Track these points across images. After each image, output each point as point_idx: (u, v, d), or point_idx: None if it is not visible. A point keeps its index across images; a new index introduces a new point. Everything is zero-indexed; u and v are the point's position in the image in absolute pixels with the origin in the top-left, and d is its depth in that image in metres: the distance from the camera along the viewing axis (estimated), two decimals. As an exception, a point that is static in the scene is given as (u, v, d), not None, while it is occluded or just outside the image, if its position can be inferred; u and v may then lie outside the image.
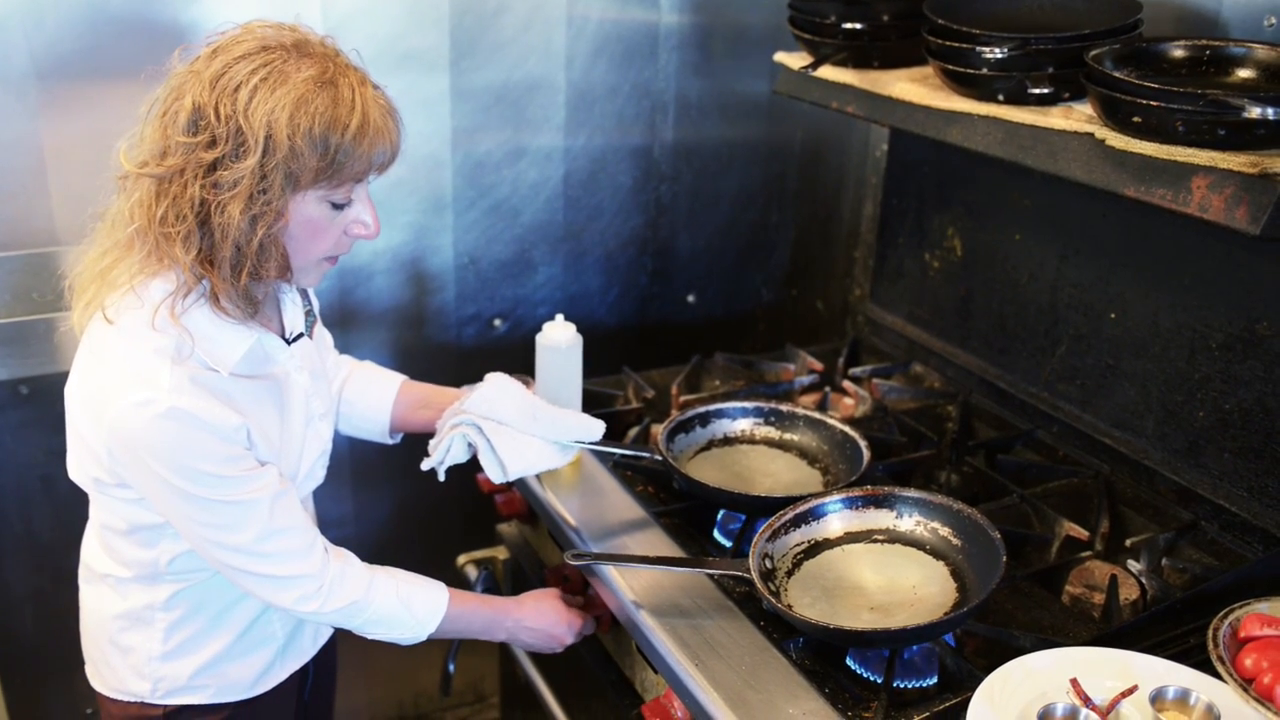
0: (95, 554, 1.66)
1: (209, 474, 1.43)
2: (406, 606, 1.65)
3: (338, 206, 1.43)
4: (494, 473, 1.80)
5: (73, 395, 1.52)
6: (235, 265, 1.38)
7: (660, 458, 1.91)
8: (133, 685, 1.66)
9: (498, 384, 1.84)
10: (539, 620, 1.78)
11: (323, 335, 1.83)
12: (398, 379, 1.97)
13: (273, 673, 1.74)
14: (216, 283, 1.39)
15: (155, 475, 1.43)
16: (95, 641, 1.69)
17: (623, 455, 2.00)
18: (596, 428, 1.89)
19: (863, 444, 1.95)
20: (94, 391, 1.45)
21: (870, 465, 1.91)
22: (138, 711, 1.67)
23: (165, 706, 1.66)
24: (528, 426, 1.82)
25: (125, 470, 1.46)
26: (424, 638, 1.69)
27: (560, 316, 2.01)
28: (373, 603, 1.62)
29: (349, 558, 1.64)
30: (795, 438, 2.07)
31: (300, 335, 1.63)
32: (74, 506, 2.30)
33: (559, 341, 1.98)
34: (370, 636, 1.68)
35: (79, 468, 1.56)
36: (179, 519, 1.49)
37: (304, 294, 1.69)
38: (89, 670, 1.73)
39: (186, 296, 1.41)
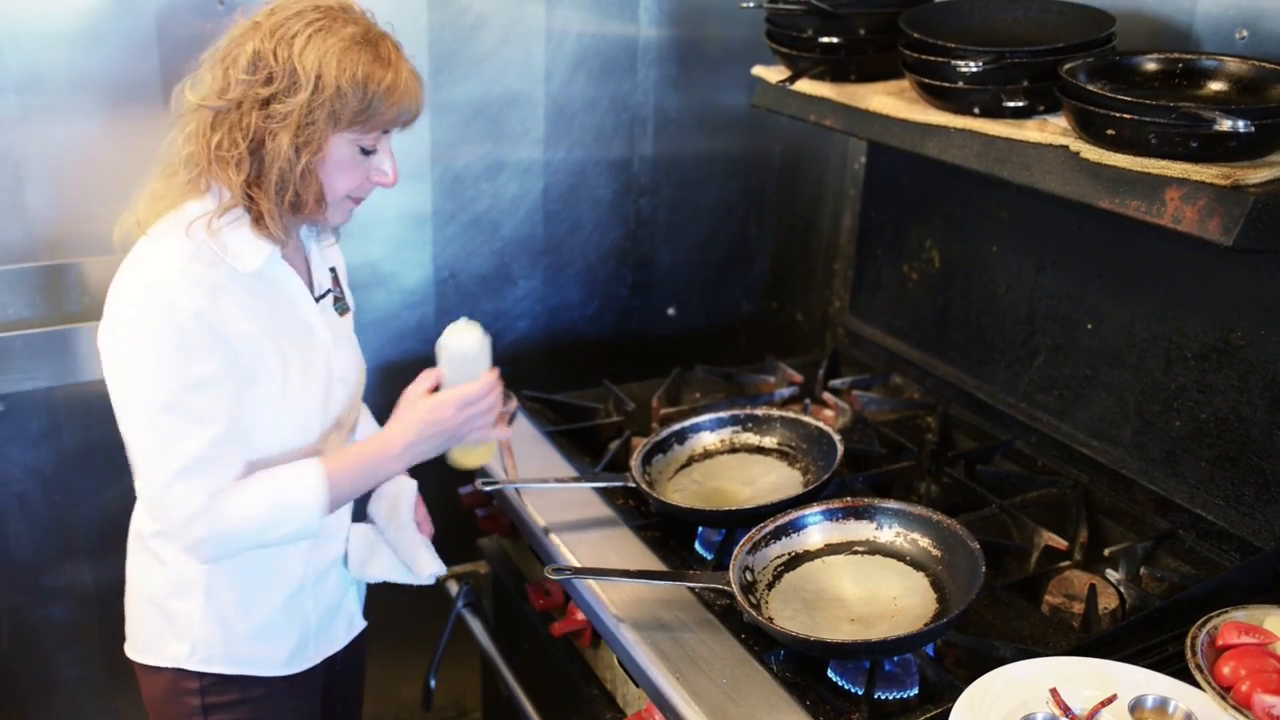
0: (140, 519, 1.74)
1: (180, 373, 1.51)
2: (278, 500, 1.59)
3: (365, 152, 1.60)
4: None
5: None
6: (280, 189, 1.54)
7: (634, 485, 1.91)
8: (172, 648, 1.71)
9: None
10: (412, 431, 1.66)
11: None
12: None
13: (305, 654, 1.80)
14: (263, 203, 1.55)
15: (130, 357, 1.52)
16: (140, 609, 1.75)
17: (596, 488, 2.00)
18: (428, 568, 1.91)
19: (836, 438, 1.96)
20: (111, 289, 1.56)
21: (843, 457, 1.92)
22: (171, 683, 1.72)
23: (202, 675, 1.71)
24: (385, 530, 1.94)
25: (110, 357, 1.54)
26: (319, 516, 1.61)
27: (464, 319, 1.74)
28: (243, 519, 1.56)
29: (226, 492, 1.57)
30: (773, 441, 2.08)
31: (326, 294, 1.76)
32: (50, 524, 2.29)
33: (464, 349, 1.72)
34: (275, 544, 1.63)
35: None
36: (130, 422, 1.55)
37: (334, 279, 1.81)
38: (129, 644, 1.77)
39: (223, 215, 1.56)
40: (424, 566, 1.91)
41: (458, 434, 1.69)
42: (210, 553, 1.58)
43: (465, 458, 1.79)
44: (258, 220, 1.57)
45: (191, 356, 1.51)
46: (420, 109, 1.63)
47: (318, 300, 1.73)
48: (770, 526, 1.73)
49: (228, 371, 1.55)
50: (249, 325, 1.58)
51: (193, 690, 1.71)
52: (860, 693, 1.53)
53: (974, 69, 1.68)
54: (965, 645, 1.61)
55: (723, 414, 2.11)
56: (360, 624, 1.92)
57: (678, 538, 1.89)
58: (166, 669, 1.72)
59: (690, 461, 2.06)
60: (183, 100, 1.58)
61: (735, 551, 1.68)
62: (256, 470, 1.61)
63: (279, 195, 1.55)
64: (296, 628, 1.77)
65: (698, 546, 1.89)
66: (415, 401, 1.70)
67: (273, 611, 1.73)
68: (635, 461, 1.96)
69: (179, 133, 1.58)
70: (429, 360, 2.54)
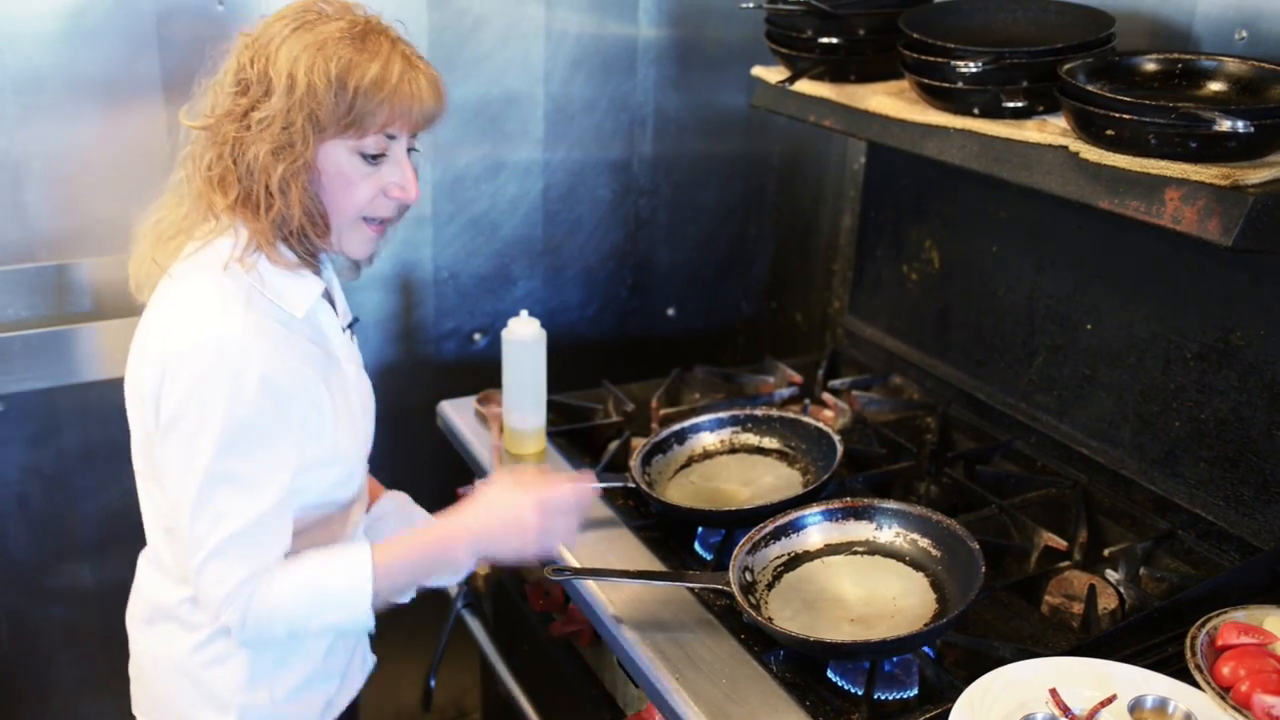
0: (159, 587, 1.61)
1: (240, 441, 1.39)
2: (319, 587, 1.45)
3: (370, 160, 1.46)
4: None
5: (134, 364, 1.50)
6: (267, 205, 1.43)
7: (634, 485, 1.91)
8: (210, 719, 1.59)
9: (393, 501, 1.87)
10: (484, 526, 1.51)
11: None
12: None
13: (336, 702, 1.71)
14: (251, 224, 1.44)
15: (191, 421, 1.38)
16: (166, 679, 1.61)
17: (595, 488, 1.99)
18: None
19: (836, 438, 1.96)
20: (160, 338, 1.43)
21: (843, 458, 1.92)
22: None
23: None
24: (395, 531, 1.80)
25: (162, 415, 1.40)
26: (367, 607, 1.45)
27: (524, 312, 2.08)
28: (282, 604, 1.44)
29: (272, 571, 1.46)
30: (773, 441, 2.08)
31: (352, 322, 1.67)
32: (50, 525, 2.29)
33: (524, 336, 2.06)
34: (315, 634, 1.58)
35: (142, 453, 1.54)
36: (178, 487, 1.41)
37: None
38: (148, 714, 1.66)
39: (254, 250, 1.45)
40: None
41: (533, 540, 1.52)
42: (245, 637, 1.46)
43: (519, 447, 2.10)
44: (269, 250, 1.46)
45: (252, 425, 1.39)
46: (432, 109, 1.47)
47: (345, 330, 1.63)
48: (770, 527, 1.73)
49: (290, 436, 1.44)
50: (310, 373, 1.47)
51: None
52: (860, 693, 1.53)
53: (973, 69, 1.68)
54: (965, 645, 1.61)
55: (722, 414, 2.11)
56: (372, 660, 1.83)
57: (677, 538, 1.89)
58: None
59: (690, 462, 2.06)
60: (186, 131, 1.50)
61: (735, 552, 1.68)
62: (299, 533, 1.50)
63: (266, 211, 1.43)
64: (334, 677, 1.69)
65: (697, 547, 1.89)
66: (497, 494, 1.55)
67: (314, 664, 1.64)
68: (635, 462, 1.96)
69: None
70: (429, 361, 2.57)
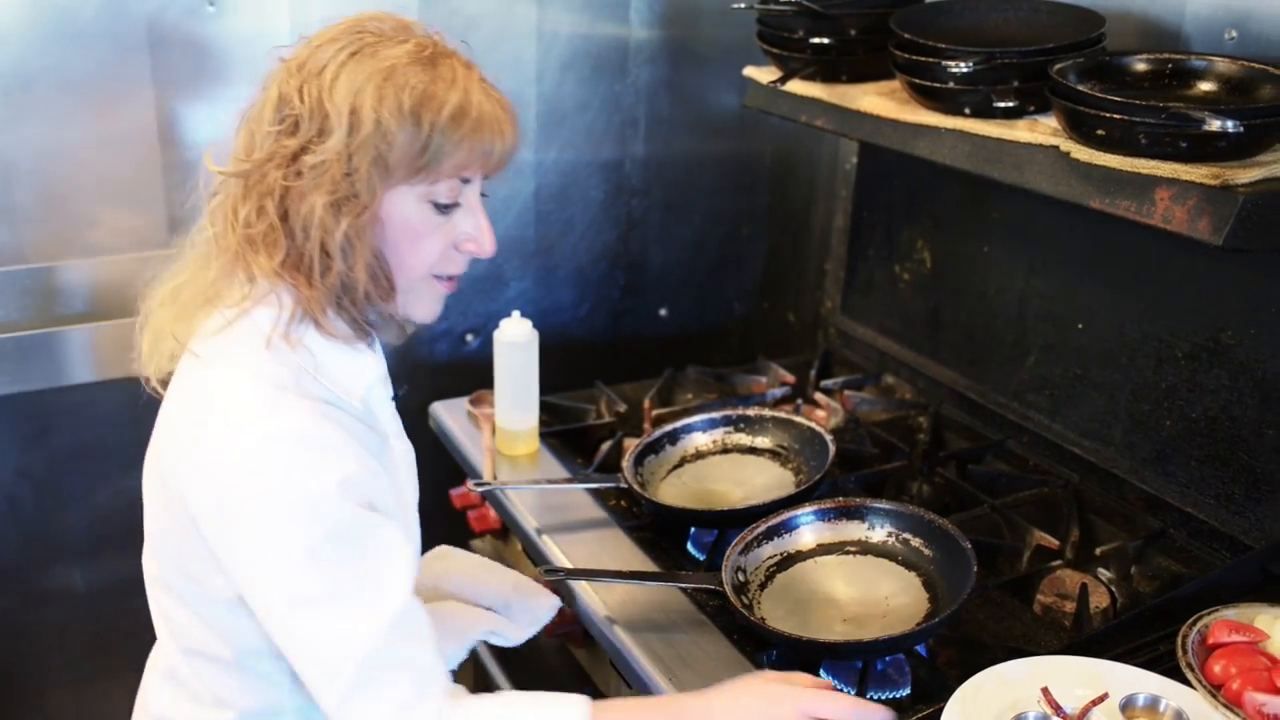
0: (173, 704, 1.40)
1: (339, 557, 1.18)
2: None
3: (442, 209, 1.25)
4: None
5: (157, 466, 1.29)
6: (323, 269, 1.20)
7: (626, 485, 1.91)
8: None
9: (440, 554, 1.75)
10: (743, 712, 1.31)
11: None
12: None
13: None
14: (304, 289, 1.22)
15: (271, 549, 1.18)
16: None
17: (588, 489, 2.00)
18: (543, 612, 1.67)
19: (828, 438, 1.96)
20: (197, 440, 1.20)
21: (835, 457, 1.92)
22: None
23: None
24: (474, 582, 1.68)
25: (230, 537, 1.20)
26: None
27: (516, 313, 2.08)
28: None
29: (460, 696, 1.32)
30: (765, 441, 2.08)
31: (399, 392, 1.50)
32: (41, 527, 2.29)
33: (516, 337, 2.06)
34: None
35: (163, 565, 1.33)
36: (281, 621, 1.21)
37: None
38: None
39: (301, 321, 1.24)
40: (551, 595, 1.70)
41: None
42: None
43: (511, 448, 2.10)
44: (317, 319, 1.24)
45: (347, 532, 1.19)
46: (512, 146, 1.26)
47: (393, 400, 1.45)
48: (762, 527, 1.73)
49: (390, 521, 1.24)
50: (375, 464, 1.26)
51: None
52: (853, 693, 1.53)
53: (964, 69, 1.68)
54: (957, 645, 1.62)
55: (715, 414, 2.11)
56: None
57: (670, 538, 1.89)
58: None
59: (682, 462, 2.06)
60: (209, 176, 1.27)
61: (727, 552, 1.68)
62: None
63: (323, 275, 1.21)
64: None
65: (690, 547, 1.89)
66: (757, 686, 1.34)
67: None
68: (627, 462, 1.96)
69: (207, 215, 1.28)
70: (422, 363, 2.56)
